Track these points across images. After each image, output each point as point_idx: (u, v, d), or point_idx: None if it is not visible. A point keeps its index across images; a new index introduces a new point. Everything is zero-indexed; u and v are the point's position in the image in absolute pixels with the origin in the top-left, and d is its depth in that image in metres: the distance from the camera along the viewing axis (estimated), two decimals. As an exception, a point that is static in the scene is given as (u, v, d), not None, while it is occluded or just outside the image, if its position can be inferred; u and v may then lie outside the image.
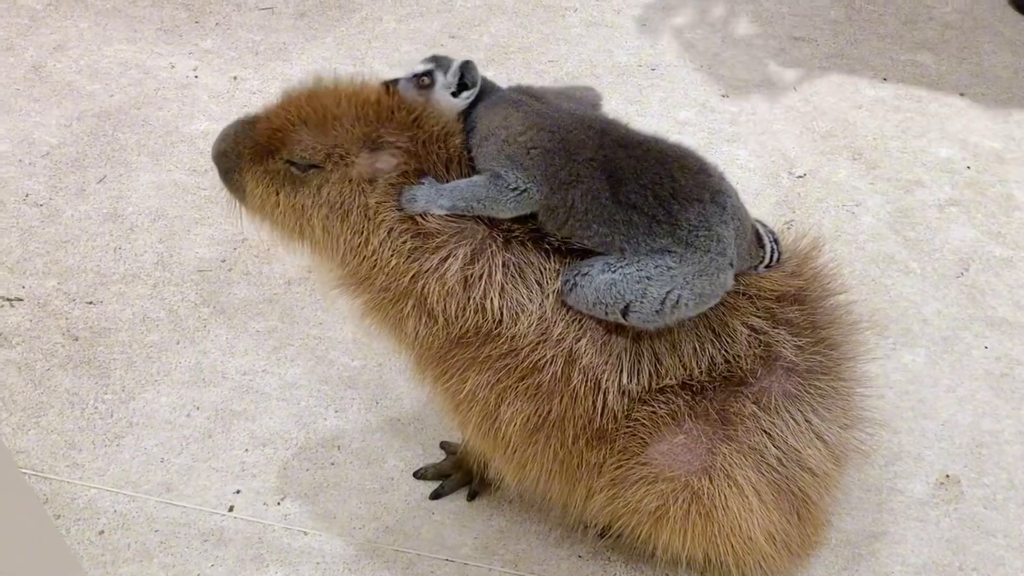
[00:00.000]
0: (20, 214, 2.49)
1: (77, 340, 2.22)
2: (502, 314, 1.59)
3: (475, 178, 1.58)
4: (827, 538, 1.85)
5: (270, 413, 2.09)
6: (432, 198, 1.57)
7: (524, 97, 1.60)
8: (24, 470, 1.96)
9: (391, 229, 1.60)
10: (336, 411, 2.09)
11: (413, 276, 1.60)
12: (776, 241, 1.62)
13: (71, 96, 2.82)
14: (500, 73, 2.85)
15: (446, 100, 1.59)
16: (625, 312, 1.51)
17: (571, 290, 1.53)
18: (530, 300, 1.59)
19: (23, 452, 1.99)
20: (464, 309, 1.60)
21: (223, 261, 2.39)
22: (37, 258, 2.39)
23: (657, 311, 1.51)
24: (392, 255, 1.61)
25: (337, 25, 3.02)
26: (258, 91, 2.83)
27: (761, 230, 1.60)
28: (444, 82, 1.58)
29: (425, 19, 3.08)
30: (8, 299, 2.29)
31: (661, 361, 1.58)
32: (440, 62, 1.59)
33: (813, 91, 2.86)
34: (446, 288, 1.59)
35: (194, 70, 2.91)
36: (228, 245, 2.42)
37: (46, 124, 2.73)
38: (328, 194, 1.61)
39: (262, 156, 1.62)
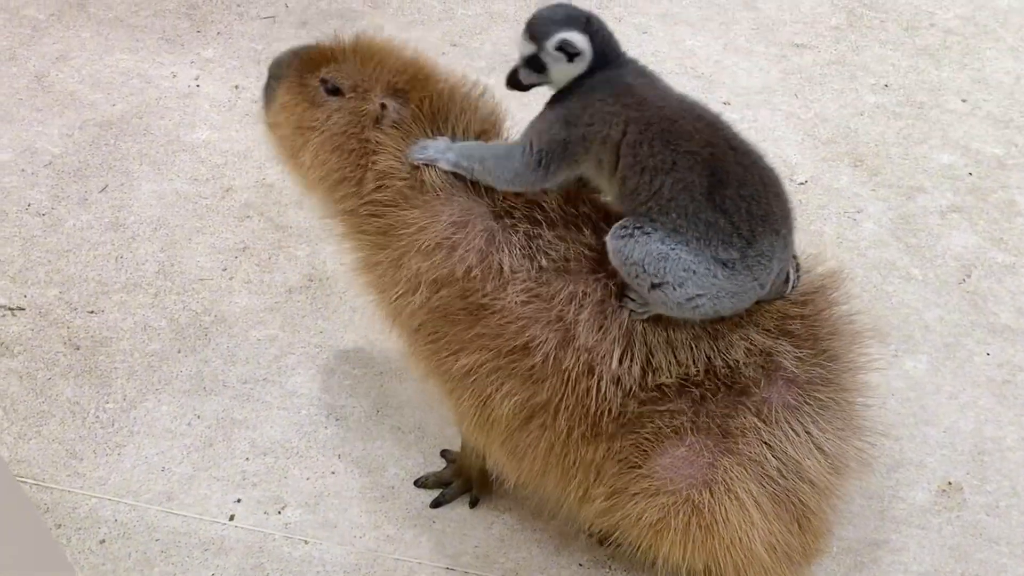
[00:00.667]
0: (22, 223, 2.50)
1: (78, 349, 2.22)
2: (490, 283, 1.62)
3: (496, 143, 1.64)
4: (828, 547, 1.84)
5: (271, 422, 2.10)
6: (441, 150, 1.64)
7: (636, 81, 1.58)
8: (25, 479, 1.97)
9: (384, 171, 1.70)
10: (337, 420, 2.10)
11: (393, 225, 1.69)
12: (798, 274, 1.63)
13: (73, 105, 2.82)
14: (502, 80, 2.84)
15: (564, 71, 1.58)
16: (653, 287, 1.52)
17: (623, 238, 1.53)
18: (521, 274, 1.61)
19: (24, 461, 2.00)
20: (449, 275, 1.64)
21: (224, 270, 2.39)
22: (39, 267, 2.39)
23: (679, 303, 1.53)
24: (379, 196, 1.70)
25: (339, 34, 3.03)
26: (260, 100, 2.81)
27: (791, 267, 1.61)
28: (553, 63, 1.57)
29: (426, 27, 3.09)
30: (10, 308, 2.29)
31: (654, 353, 1.59)
32: (537, 34, 1.56)
33: (814, 98, 2.86)
34: (424, 246, 1.65)
35: (196, 79, 2.91)
36: (229, 254, 2.43)
37: (48, 134, 2.74)
38: (335, 121, 1.73)
39: (304, 70, 1.77)
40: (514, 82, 1.62)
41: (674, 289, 1.51)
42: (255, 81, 2.87)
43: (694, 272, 1.51)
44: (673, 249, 1.51)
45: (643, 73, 1.61)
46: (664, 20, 3.14)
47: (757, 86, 2.90)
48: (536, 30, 1.55)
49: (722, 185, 1.50)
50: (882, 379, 2.06)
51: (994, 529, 1.91)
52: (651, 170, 1.50)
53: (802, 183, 2.59)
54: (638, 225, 1.53)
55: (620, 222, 1.55)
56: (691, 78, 2.92)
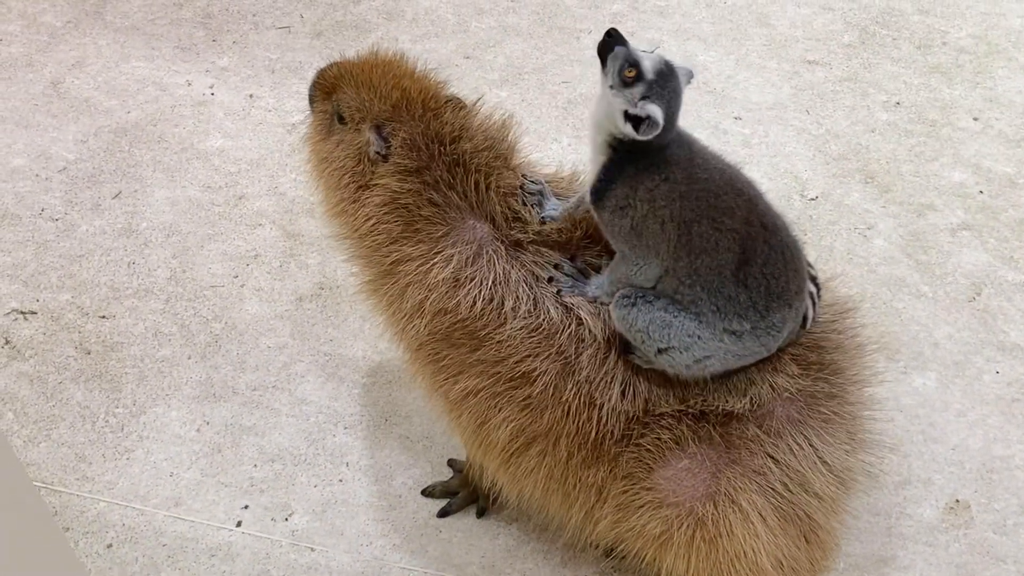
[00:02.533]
0: (36, 228, 2.52)
1: (89, 354, 2.24)
2: (491, 318, 1.61)
3: (615, 260, 1.58)
4: (836, 563, 1.83)
5: (279, 429, 2.10)
6: (601, 285, 1.59)
7: (683, 156, 1.50)
8: (34, 483, 1.97)
9: (378, 209, 1.68)
10: (345, 428, 2.11)
11: (396, 260, 1.67)
12: (816, 310, 1.62)
13: (88, 112, 2.85)
14: (515, 93, 2.87)
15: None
16: (660, 352, 1.52)
17: (627, 307, 1.53)
18: (524, 309, 1.61)
19: (34, 464, 2.01)
20: (454, 306, 1.63)
21: (235, 277, 2.40)
22: (52, 272, 2.41)
23: (687, 366, 1.53)
24: (379, 232, 1.69)
25: (353, 45, 3.04)
26: (274, 108, 2.85)
27: (809, 305, 1.60)
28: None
29: (440, 39, 3.10)
30: (22, 312, 2.31)
31: (655, 388, 1.59)
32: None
33: (826, 114, 2.87)
34: (429, 281, 1.64)
35: (210, 87, 2.93)
36: (241, 261, 2.44)
37: (63, 140, 2.76)
38: (340, 153, 1.73)
39: (324, 95, 1.78)
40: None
41: (680, 353, 1.52)
42: (269, 90, 2.92)
43: (699, 337, 1.51)
44: (676, 317, 1.51)
45: (685, 143, 1.54)
46: (677, 35, 3.15)
47: (769, 102, 2.91)
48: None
49: (748, 263, 1.49)
50: (890, 395, 2.07)
51: (1001, 547, 1.90)
52: (695, 251, 1.49)
53: (813, 199, 2.60)
54: (640, 294, 1.53)
55: (622, 290, 1.55)
56: (703, 93, 2.92)
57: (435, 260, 1.63)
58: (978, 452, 2.05)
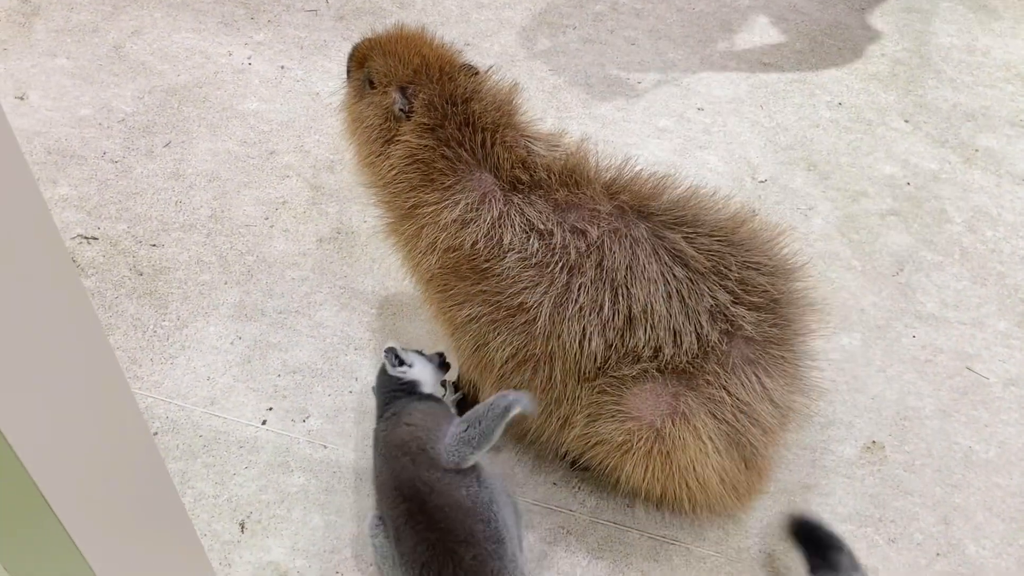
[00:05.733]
0: (98, 168, 2.53)
1: (142, 275, 2.25)
2: (492, 252, 1.62)
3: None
4: (768, 487, 1.87)
5: (300, 347, 2.12)
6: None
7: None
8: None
9: (400, 160, 1.69)
10: (355, 349, 2.12)
11: (414, 204, 1.68)
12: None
13: (144, 73, 2.84)
14: (507, 78, 2.87)
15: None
16: None
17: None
18: (518, 245, 1.61)
19: (91, 365, 2.04)
20: (459, 244, 1.64)
21: (266, 219, 2.42)
22: (111, 205, 2.42)
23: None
24: (400, 180, 1.69)
25: (369, 28, 3.00)
26: (302, 79, 2.86)
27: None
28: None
29: (445, 27, 3.09)
30: (86, 237, 2.32)
31: (634, 315, 1.59)
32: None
33: (777, 109, 2.87)
34: (442, 222, 1.65)
35: (248, 59, 2.93)
36: (271, 206, 2.45)
37: (123, 95, 2.76)
38: (369, 113, 1.74)
39: (357, 65, 1.80)
40: None
41: None
42: (298, 63, 2.92)
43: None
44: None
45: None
46: (651, 35, 3.14)
47: (728, 96, 2.91)
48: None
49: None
50: (822, 350, 2.04)
51: (909, 483, 1.92)
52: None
53: (762, 181, 2.61)
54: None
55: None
56: (671, 86, 2.93)
57: (446, 204, 1.64)
58: (894, 402, 2.06)
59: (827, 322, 2.19)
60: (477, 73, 1.74)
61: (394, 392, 1.75)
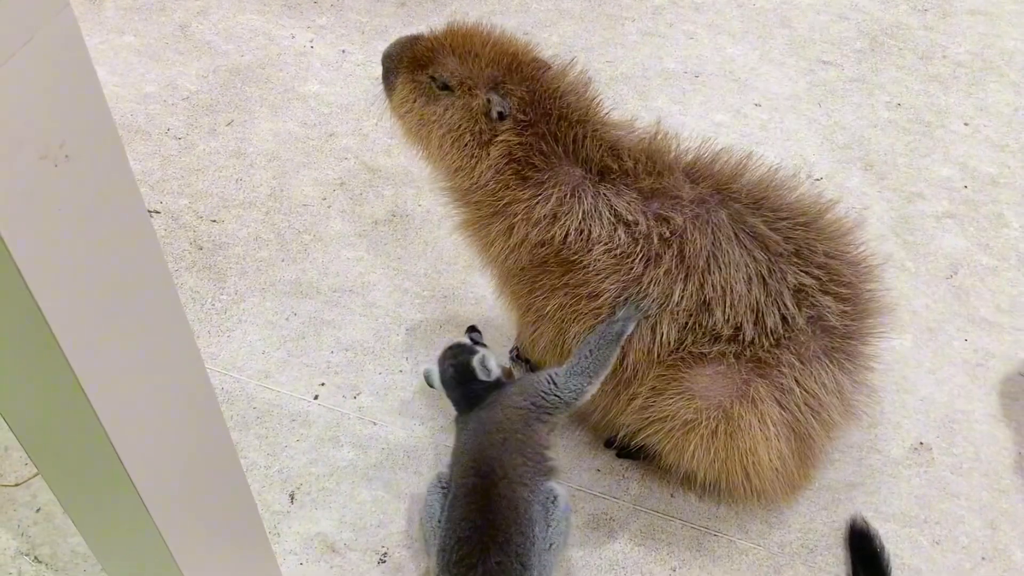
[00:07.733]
0: (162, 144, 2.57)
1: (201, 249, 2.29)
2: (579, 246, 1.62)
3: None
4: (815, 481, 1.87)
5: (353, 325, 2.14)
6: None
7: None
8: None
9: (499, 160, 1.66)
10: (407, 329, 2.14)
11: (508, 202, 1.66)
12: None
13: (209, 53, 2.88)
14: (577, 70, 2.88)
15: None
16: None
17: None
18: (611, 236, 1.61)
19: (151, 335, 2.08)
20: (550, 238, 1.64)
21: (324, 199, 2.44)
22: (173, 180, 2.46)
23: None
24: (494, 180, 1.67)
25: (431, 15, 3.06)
26: (362, 64, 2.88)
27: None
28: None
29: (504, 16, 3.09)
30: (149, 211, 2.27)
31: (711, 302, 1.60)
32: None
33: (835, 108, 2.84)
34: (534, 218, 1.64)
35: (310, 42, 2.96)
36: (329, 187, 2.48)
37: (187, 74, 2.80)
38: (451, 116, 1.68)
39: (415, 67, 1.70)
40: None
41: None
42: (359, 47, 2.93)
43: None
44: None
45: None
46: (710, 29, 3.13)
47: (786, 93, 2.89)
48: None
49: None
50: (872, 350, 2.08)
51: (956, 486, 1.90)
52: None
53: (818, 179, 2.59)
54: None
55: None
56: (729, 80, 2.92)
57: (538, 200, 1.64)
58: (943, 404, 2.04)
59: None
60: (550, 68, 1.72)
61: (479, 394, 1.75)
